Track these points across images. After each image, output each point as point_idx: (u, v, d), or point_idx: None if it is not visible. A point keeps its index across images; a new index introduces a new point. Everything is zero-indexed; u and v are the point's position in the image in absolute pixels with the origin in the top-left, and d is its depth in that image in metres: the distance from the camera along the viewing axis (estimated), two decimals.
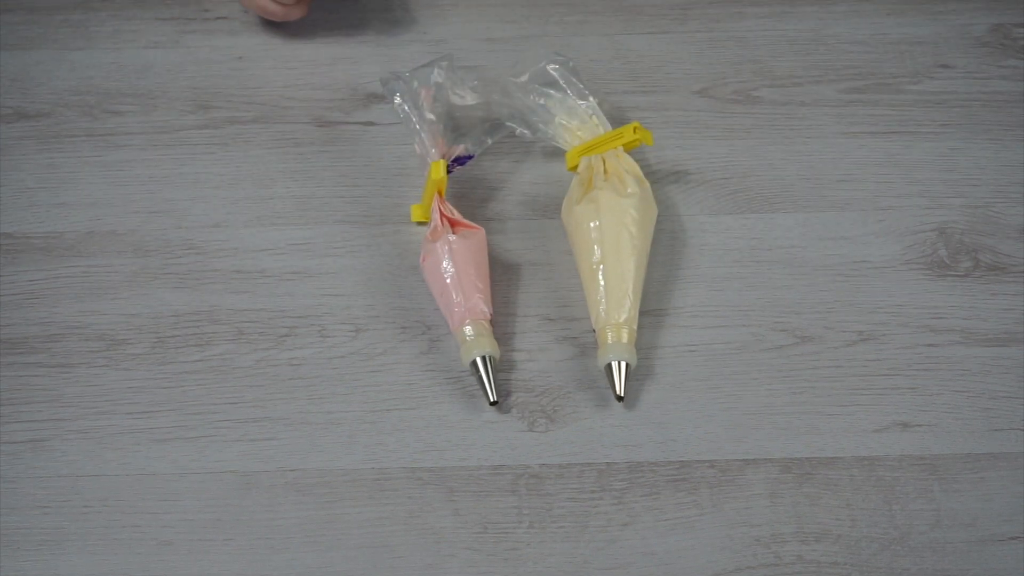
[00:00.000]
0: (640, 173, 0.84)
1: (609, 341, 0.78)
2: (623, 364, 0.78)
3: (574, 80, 0.86)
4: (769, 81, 0.93)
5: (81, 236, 0.86)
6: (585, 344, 0.81)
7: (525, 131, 0.86)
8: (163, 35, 0.96)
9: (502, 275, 0.83)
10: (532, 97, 0.86)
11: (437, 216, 0.82)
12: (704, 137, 0.90)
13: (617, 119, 0.91)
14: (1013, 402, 0.79)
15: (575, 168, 0.86)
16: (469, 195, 0.87)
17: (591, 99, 0.86)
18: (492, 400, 0.77)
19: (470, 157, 0.85)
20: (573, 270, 0.83)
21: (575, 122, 0.86)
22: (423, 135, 0.84)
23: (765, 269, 0.84)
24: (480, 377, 0.78)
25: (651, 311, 0.82)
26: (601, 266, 0.80)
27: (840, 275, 0.84)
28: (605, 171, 0.83)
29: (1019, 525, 0.74)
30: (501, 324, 0.81)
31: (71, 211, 0.87)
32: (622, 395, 0.77)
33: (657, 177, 0.88)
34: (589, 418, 0.78)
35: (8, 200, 0.87)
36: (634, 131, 0.84)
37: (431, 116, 0.85)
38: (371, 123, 0.91)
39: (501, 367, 0.80)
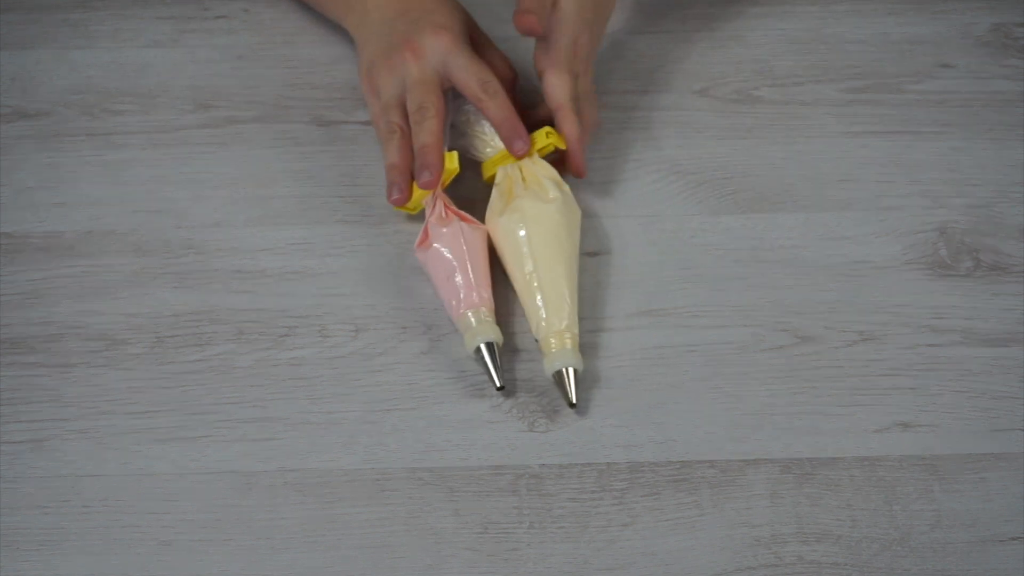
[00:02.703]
0: (559, 178, 0.84)
1: (553, 349, 0.78)
2: (571, 370, 0.78)
3: None
4: (770, 81, 0.93)
5: (81, 236, 0.85)
6: (585, 344, 0.81)
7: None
8: (163, 34, 0.96)
9: (502, 275, 0.83)
10: (457, 104, 0.86)
11: (441, 204, 0.82)
12: (704, 137, 0.90)
13: (617, 119, 0.91)
14: (1014, 402, 0.78)
15: (491, 178, 0.85)
16: (470, 195, 0.87)
17: None
18: (499, 386, 0.77)
19: None
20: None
21: (489, 131, 0.86)
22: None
23: (766, 269, 0.84)
24: (486, 363, 0.78)
25: (651, 311, 0.82)
26: (535, 275, 0.80)
27: (841, 275, 0.84)
28: (523, 179, 0.83)
29: (1020, 525, 0.74)
30: (502, 324, 0.81)
31: (71, 211, 0.87)
32: (575, 402, 0.77)
33: (657, 177, 0.88)
34: (589, 418, 0.78)
35: (8, 200, 0.87)
36: (547, 136, 0.84)
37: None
38: (372, 123, 0.91)
39: (502, 367, 0.80)
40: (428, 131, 0.82)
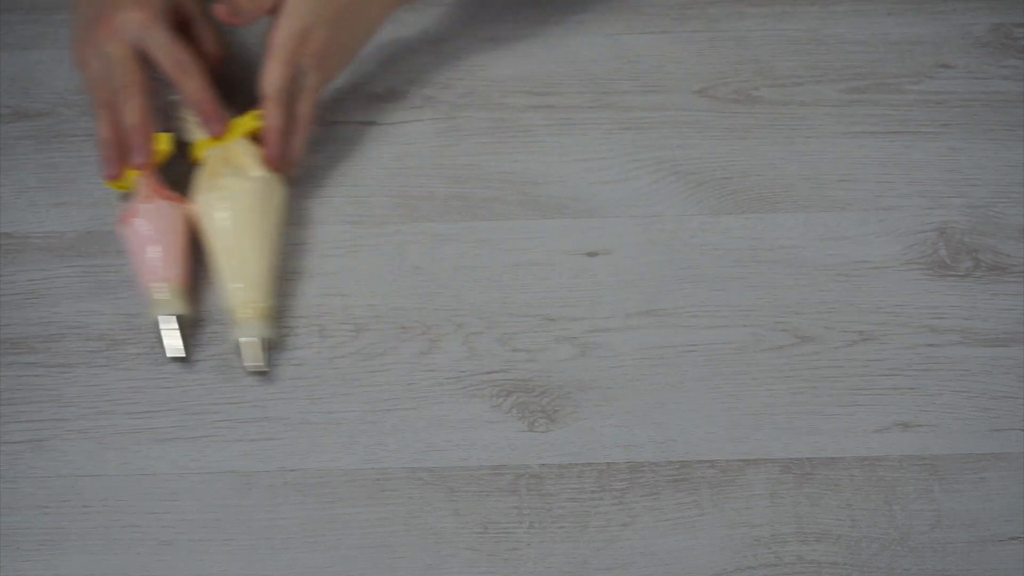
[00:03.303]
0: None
1: (242, 318, 0.79)
2: (258, 339, 0.79)
3: None
4: (769, 81, 0.93)
5: (81, 236, 0.85)
6: (585, 344, 0.81)
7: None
8: None
9: (501, 275, 0.83)
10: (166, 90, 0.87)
11: (149, 183, 0.83)
12: (704, 137, 0.90)
13: (617, 119, 0.91)
14: (1013, 402, 0.79)
15: (200, 160, 0.86)
16: (469, 195, 0.87)
17: None
18: (180, 356, 0.79)
19: None
20: (575, 269, 0.83)
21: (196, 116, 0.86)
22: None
23: (765, 269, 0.84)
24: (167, 334, 0.79)
25: (651, 311, 0.82)
26: (232, 249, 0.81)
27: (841, 275, 0.84)
28: (230, 159, 0.84)
29: (1020, 525, 0.74)
30: (501, 324, 0.81)
31: (71, 211, 0.87)
32: (266, 368, 0.79)
33: (657, 177, 0.88)
34: (589, 418, 0.78)
35: (8, 200, 0.87)
36: (254, 119, 0.84)
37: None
38: (371, 123, 0.91)
39: (499, 366, 0.80)
40: (133, 110, 0.82)
